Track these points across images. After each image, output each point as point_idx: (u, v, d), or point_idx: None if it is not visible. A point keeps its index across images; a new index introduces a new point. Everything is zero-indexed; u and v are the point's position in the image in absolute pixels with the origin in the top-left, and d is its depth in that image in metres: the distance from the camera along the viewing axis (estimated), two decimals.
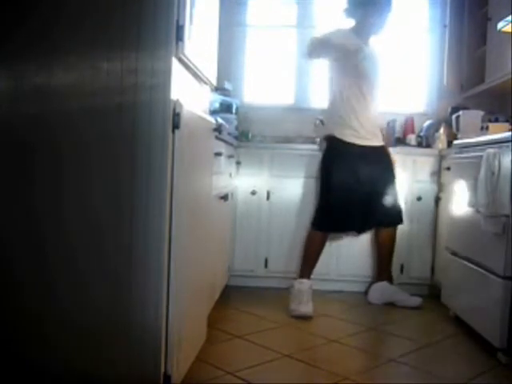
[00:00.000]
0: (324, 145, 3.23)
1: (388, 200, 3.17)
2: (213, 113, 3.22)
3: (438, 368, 2.24)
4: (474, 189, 2.53)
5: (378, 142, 3.18)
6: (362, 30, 3.09)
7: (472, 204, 2.57)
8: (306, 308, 2.92)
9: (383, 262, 3.29)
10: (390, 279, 3.28)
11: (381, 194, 3.15)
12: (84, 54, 1.50)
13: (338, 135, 3.10)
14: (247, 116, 4.01)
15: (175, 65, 1.63)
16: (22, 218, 1.30)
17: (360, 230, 3.30)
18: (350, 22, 3.12)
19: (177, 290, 1.67)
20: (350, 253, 3.43)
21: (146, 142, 1.59)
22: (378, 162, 3.16)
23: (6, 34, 1.09)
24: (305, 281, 3.07)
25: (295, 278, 3.12)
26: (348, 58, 3.01)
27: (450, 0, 3.98)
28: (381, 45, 3.28)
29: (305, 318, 2.87)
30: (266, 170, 3.52)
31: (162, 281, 1.61)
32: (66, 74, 1.41)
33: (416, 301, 3.16)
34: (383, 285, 3.24)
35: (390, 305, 3.17)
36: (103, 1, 1.55)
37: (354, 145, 3.08)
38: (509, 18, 2.91)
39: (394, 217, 3.23)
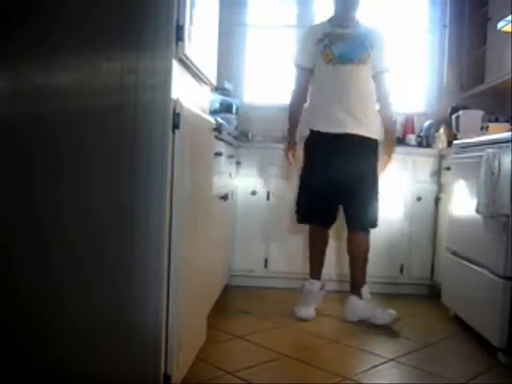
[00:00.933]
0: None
1: (360, 199, 2.88)
2: (213, 113, 3.22)
3: (438, 368, 2.24)
4: (474, 189, 2.53)
5: (360, 131, 2.86)
6: (336, 13, 2.96)
7: (472, 204, 2.56)
8: (307, 312, 2.88)
9: (351, 272, 2.99)
10: (358, 292, 2.93)
11: (352, 188, 2.85)
12: (84, 53, 1.50)
13: (309, 126, 2.99)
14: (247, 116, 4.01)
15: (175, 65, 1.63)
16: (22, 217, 1.30)
17: (326, 224, 3.03)
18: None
19: (177, 290, 1.67)
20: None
21: (146, 142, 1.59)
22: (353, 152, 2.86)
23: (6, 33, 1.10)
24: (315, 282, 3.02)
25: (305, 279, 3.06)
26: (316, 50, 2.92)
27: (450, 0, 3.99)
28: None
29: (305, 320, 2.86)
30: (266, 170, 3.52)
31: (162, 281, 1.61)
32: (66, 74, 1.41)
33: (389, 316, 2.76)
34: (351, 300, 2.93)
35: (388, 307, 3.14)
36: (103, 1, 1.55)
37: (322, 133, 2.90)
38: (509, 18, 2.91)
39: (362, 219, 2.91)
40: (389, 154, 3.01)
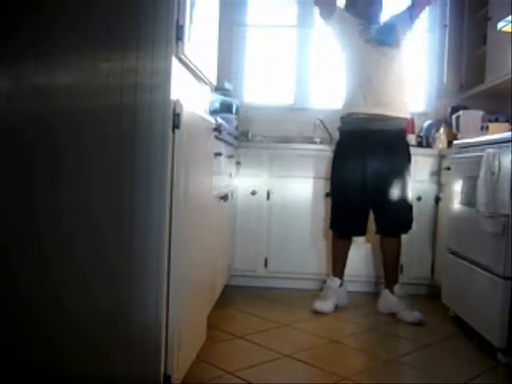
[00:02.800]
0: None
1: (394, 202, 2.98)
2: (213, 113, 3.22)
3: (438, 368, 2.24)
4: (473, 189, 2.53)
5: (395, 112, 2.99)
6: (362, 18, 3.10)
7: (472, 204, 2.56)
8: (323, 305, 2.99)
9: (385, 269, 3.14)
10: (391, 288, 3.07)
11: (387, 193, 2.97)
12: (84, 53, 1.50)
13: (346, 110, 3.07)
14: (247, 116, 4.01)
15: (175, 65, 1.63)
16: (22, 216, 1.30)
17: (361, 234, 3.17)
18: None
19: (177, 290, 1.67)
20: (352, 253, 3.42)
21: (145, 142, 1.59)
22: (389, 145, 2.98)
23: (8, 34, 1.10)
24: (335, 279, 3.13)
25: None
26: (350, 31, 3.06)
27: (450, 0, 3.98)
28: None
29: (322, 314, 2.95)
30: (266, 170, 3.52)
31: (162, 281, 1.61)
32: (66, 74, 1.41)
33: (415, 317, 2.88)
34: (384, 293, 3.11)
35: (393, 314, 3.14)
36: (104, 1, 1.55)
37: (360, 119, 2.99)
38: (509, 17, 2.90)
39: (398, 225, 3.03)
40: None
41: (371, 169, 2.98)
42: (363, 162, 2.99)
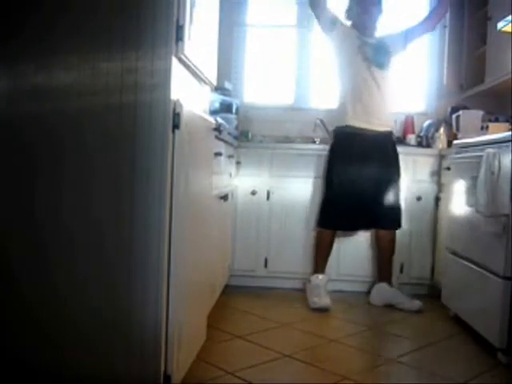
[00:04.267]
0: (331, 137, 3.32)
1: (388, 200, 3.16)
2: (213, 113, 3.22)
3: (438, 368, 2.23)
4: (473, 189, 2.53)
5: (381, 127, 3.18)
6: (360, 27, 3.21)
7: (472, 204, 2.56)
8: (325, 301, 3.03)
9: (382, 264, 3.29)
10: (389, 281, 3.24)
11: (381, 191, 3.15)
12: (84, 54, 1.50)
13: (338, 123, 3.21)
14: (247, 116, 4.01)
15: (175, 65, 1.63)
16: (22, 216, 1.30)
17: (355, 228, 3.34)
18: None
19: (177, 289, 1.67)
20: (350, 253, 3.43)
21: (145, 142, 1.59)
22: (383, 152, 3.17)
23: (8, 34, 1.10)
24: (321, 276, 3.17)
25: (306, 279, 3.25)
26: (349, 46, 3.15)
27: (450, 0, 3.98)
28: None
29: (323, 311, 2.99)
30: (266, 170, 3.52)
31: (162, 281, 1.62)
32: (66, 74, 1.41)
33: (415, 304, 3.08)
34: (381, 286, 3.22)
35: (390, 305, 3.16)
36: (104, 2, 1.55)
37: (351, 128, 3.13)
38: (509, 17, 2.91)
39: (390, 220, 3.22)
40: None
41: (367, 169, 3.11)
42: (360, 164, 3.11)
